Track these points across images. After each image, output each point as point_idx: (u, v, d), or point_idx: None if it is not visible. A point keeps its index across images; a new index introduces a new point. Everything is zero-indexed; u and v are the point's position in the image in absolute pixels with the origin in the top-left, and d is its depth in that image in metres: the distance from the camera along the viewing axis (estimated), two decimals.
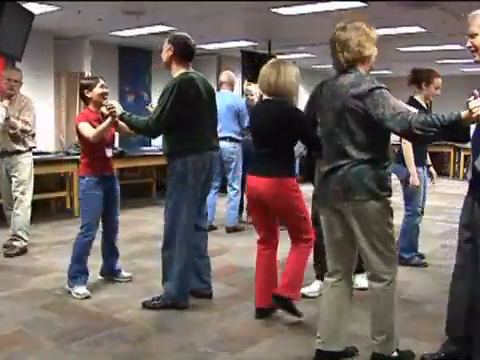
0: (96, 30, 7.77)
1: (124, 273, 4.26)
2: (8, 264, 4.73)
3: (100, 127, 3.77)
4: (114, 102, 3.69)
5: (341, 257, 2.79)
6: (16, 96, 5.01)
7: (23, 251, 5.05)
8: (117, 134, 4.34)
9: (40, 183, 7.03)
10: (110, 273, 4.22)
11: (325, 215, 2.79)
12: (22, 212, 5.06)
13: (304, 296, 3.77)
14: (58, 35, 8.01)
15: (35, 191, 6.67)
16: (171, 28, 7.35)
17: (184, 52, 3.61)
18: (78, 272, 3.89)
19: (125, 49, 9.33)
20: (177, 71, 3.59)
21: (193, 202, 3.57)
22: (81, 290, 3.84)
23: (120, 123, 3.81)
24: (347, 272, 2.81)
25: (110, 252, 4.17)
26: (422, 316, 3.52)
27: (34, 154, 6.61)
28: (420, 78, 4.59)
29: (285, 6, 6.20)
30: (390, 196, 2.65)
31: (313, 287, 3.92)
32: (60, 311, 3.59)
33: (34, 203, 7.01)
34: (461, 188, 10.03)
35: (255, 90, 7.07)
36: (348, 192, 2.59)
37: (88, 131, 3.80)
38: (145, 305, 3.65)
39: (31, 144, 5.16)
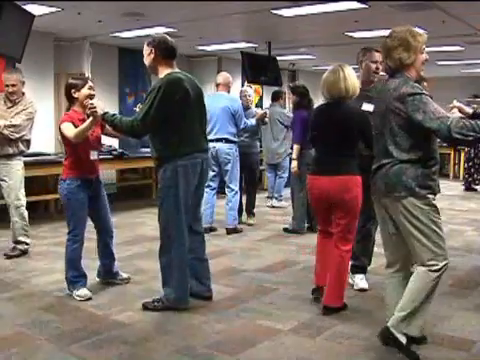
0: (96, 32, 7.78)
1: (122, 275, 4.22)
2: (8, 265, 4.73)
3: (81, 126, 3.64)
4: (96, 102, 3.61)
5: (396, 250, 2.94)
6: (20, 99, 4.98)
7: (24, 253, 5.06)
8: (113, 137, 4.24)
9: (40, 184, 7.06)
10: (107, 275, 4.17)
11: (378, 209, 2.96)
12: (19, 218, 5.02)
13: None
14: (58, 36, 8.02)
15: (35, 192, 6.70)
16: (171, 30, 7.37)
17: (166, 52, 3.55)
18: (76, 277, 3.86)
19: (125, 50, 9.34)
20: (163, 72, 3.53)
21: (185, 207, 3.54)
22: (82, 292, 3.83)
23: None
24: (404, 264, 2.95)
25: (106, 255, 4.11)
26: None
27: (34, 155, 6.62)
28: None
29: (285, 7, 6.21)
30: (433, 194, 2.76)
31: (361, 282, 4.15)
32: (60, 313, 3.59)
33: (34, 204, 7.04)
34: (461, 189, 10.06)
35: (251, 91, 7.10)
36: (388, 189, 2.78)
37: (70, 131, 3.67)
38: (145, 307, 3.64)
39: (23, 148, 5.05)
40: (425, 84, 4.78)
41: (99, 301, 3.82)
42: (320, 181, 3.53)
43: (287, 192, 8.13)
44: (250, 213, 6.77)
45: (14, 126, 4.85)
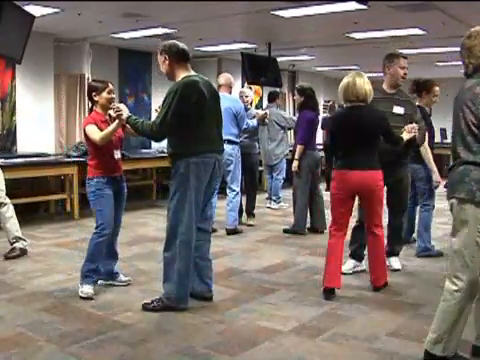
0: (96, 32, 7.78)
1: (122, 277, 4.20)
2: (9, 266, 4.73)
3: (108, 129, 3.81)
4: (121, 105, 3.75)
5: None
6: None
7: (24, 252, 5.05)
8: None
9: (41, 185, 7.07)
10: (107, 276, 4.16)
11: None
12: (13, 214, 5.01)
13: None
14: (58, 37, 8.03)
15: (36, 193, 6.71)
16: (171, 30, 7.37)
17: (178, 55, 3.64)
18: (91, 271, 3.91)
19: (125, 51, 9.35)
20: (179, 76, 3.62)
21: (195, 204, 3.57)
22: (86, 289, 3.86)
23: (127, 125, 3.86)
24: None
25: (110, 255, 4.12)
26: (422, 318, 3.52)
27: (35, 156, 6.63)
28: (420, 88, 5.00)
29: (286, 8, 6.21)
30: None
31: (347, 265, 4.45)
32: (60, 313, 3.59)
33: (34, 205, 7.05)
34: None
35: (249, 93, 7.09)
36: (451, 189, 2.74)
37: (95, 134, 3.84)
38: (145, 307, 3.65)
39: None
40: (437, 89, 4.86)
41: (100, 301, 3.82)
42: (350, 175, 3.85)
43: (286, 193, 8.16)
44: (250, 214, 6.77)
45: None
